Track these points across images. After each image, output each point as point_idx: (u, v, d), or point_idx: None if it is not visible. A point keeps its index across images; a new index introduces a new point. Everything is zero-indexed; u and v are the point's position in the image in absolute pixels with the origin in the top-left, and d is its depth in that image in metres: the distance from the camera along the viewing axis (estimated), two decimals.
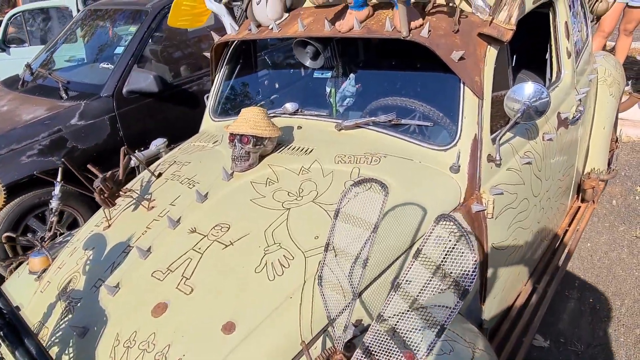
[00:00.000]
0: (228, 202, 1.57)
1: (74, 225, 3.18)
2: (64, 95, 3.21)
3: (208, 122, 2.29)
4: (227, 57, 2.23)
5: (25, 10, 5.29)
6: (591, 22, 3.18)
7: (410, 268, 0.85)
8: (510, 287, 2.01)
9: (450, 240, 0.81)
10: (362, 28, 1.69)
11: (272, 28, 1.92)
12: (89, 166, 1.72)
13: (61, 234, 3.13)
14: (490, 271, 1.73)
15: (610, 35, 4.67)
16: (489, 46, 1.65)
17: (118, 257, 1.49)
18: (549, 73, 2.30)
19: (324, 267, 1.08)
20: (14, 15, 5.13)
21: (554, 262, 2.39)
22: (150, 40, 3.62)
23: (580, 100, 2.32)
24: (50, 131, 2.95)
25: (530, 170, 1.88)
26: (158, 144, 2.25)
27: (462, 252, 0.79)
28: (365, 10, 1.71)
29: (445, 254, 0.81)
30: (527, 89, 1.59)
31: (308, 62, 2.01)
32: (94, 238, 1.64)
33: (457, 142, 1.63)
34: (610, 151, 3.19)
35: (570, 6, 2.43)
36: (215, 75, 2.29)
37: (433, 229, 0.83)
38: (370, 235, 0.94)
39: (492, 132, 1.69)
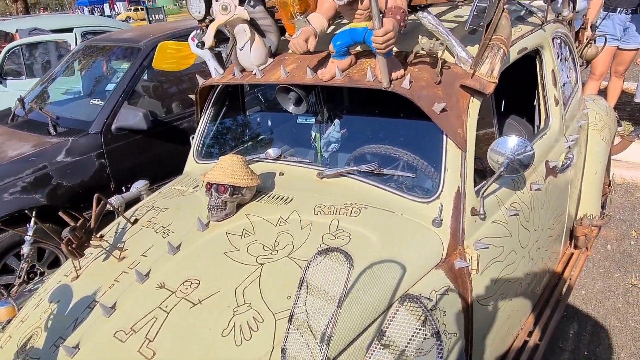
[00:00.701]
0: (200, 255, 1.50)
1: (55, 263, 3.10)
2: (52, 131, 3.18)
3: (191, 164, 2.25)
4: (212, 99, 2.21)
5: (23, 44, 5.35)
6: (580, 66, 3.19)
7: (374, 352, 0.78)
8: (500, 343, 1.92)
9: (414, 323, 0.75)
10: (344, 77, 1.67)
11: (255, 74, 1.91)
12: (60, 213, 1.66)
13: (42, 272, 3.07)
14: (476, 329, 1.65)
15: (602, 78, 4.70)
16: (472, 98, 1.62)
17: (82, 312, 1.41)
18: (537, 120, 2.28)
19: (287, 339, 1.02)
20: (12, 48, 5.18)
21: (546, 312, 2.30)
22: (144, 76, 3.63)
23: (569, 147, 2.29)
24: (35, 168, 2.90)
25: (517, 222, 1.82)
26: (139, 186, 2.20)
27: (426, 338, 0.72)
28: (347, 59, 1.69)
29: (410, 338, 0.75)
30: (510, 142, 1.56)
31: (291, 108, 1.99)
32: (60, 289, 1.57)
33: (439, 194, 1.58)
34: (603, 195, 3.14)
35: (558, 53, 2.44)
36: (200, 118, 2.27)
37: (397, 310, 0.77)
38: (334, 311, 0.88)
39: (477, 173, 1.65)
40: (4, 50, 5.15)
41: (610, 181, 3.31)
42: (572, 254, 2.74)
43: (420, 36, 1.64)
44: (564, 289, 2.47)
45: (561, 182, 2.25)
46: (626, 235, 3.36)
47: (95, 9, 42.62)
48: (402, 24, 1.48)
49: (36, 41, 5.66)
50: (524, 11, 2.27)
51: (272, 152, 1.96)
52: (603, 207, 3.30)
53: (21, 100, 3.75)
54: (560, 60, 2.51)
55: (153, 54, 3.43)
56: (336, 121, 2.07)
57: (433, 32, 1.69)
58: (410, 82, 1.57)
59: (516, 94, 2.64)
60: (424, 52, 1.64)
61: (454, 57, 1.68)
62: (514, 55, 1.86)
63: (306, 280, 0.97)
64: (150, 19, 11.40)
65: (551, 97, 2.21)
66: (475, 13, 1.70)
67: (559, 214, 2.31)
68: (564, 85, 2.52)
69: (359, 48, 1.80)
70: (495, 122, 1.87)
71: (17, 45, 5.33)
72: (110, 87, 3.44)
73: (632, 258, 3.11)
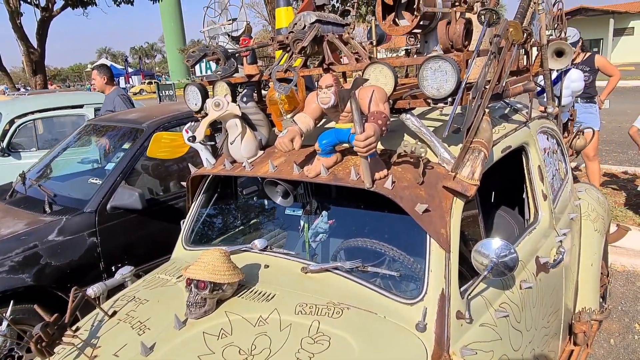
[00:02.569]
0: (174, 358, 1.44)
1: None
2: (47, 209, 3.20)
3: (179, 250, 2.23)
4: (204, 187, 2.25)
5: (37, 118, 5.56)
6: (570, 156, 3.26)
7: None
8: None
9: None
10: (329, 175, 1.70)
11: (245, 166, 1.95)
12: (35, 307, 1.62)
13: (20, 357, 2.94)
14: None
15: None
16: (455, 198, 1.64)
17: None
18: (527, 214, 2.28)
19: None
20: (23, 123, 5.36)
21: None
22: (144, 154, 3.71)
23: (560, 241, 2.26)
24: (25, 247, 2.89)
25: (507, 324, 1.76)
26: (124, 272, 2.17)
27: None
28: (333, 157, 1.73)
29: None
30: (494, 244, 1.54)
31: (279, 200, 2.01)
32: None
33: (423, 296, 1.54)
34: (602, 286, 3.07)
35: (544, 148, 2.50)
36: (191, 204, 2.29)
37: None
38: None
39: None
40: (14, 125, 5.32)
41: (608, 272, 3.24)
42: (572, 351, 2.62)
43: (405, 135, 1.69)
44: None
45: (554, 278, 2.21)
46: (629, 328, 3.23)
47: None
48: (383, 129, 1.53)
49: (50, 115, 5.91)
50: (508, 109, 2.36)
51: (258, 243, 1.95)
52: (604, 298, 3.21)
53: (22, 175, 3.82)
54: (548, 154, 2.56)
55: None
56: (324, 212, 2.08)
57: (416, 133, 1.74)
58: (393, 182, 1.59)
59: (507, 184, 2.67)
60: (407, 154, 1.68)
61: (437, 157, 1.72)
62: (497, 154, 1.91)
63: None
64: (160, 94, 11.96)
65: (539, 192, 2.23)
66: (460, 111, 1.76)
67: (554, 310, 2.24)
68: (553, 177, 2.55)
69: (346, 144, 1.85)
70: (480, 220, 1.87)
71: (30, 120, 5.53)
72: (110, 166, 3.51)
73: (637, 354, 2.96)
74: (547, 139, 2.59)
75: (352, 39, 2.04)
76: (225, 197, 2.32)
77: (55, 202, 3.30)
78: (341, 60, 2.13)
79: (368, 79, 1.59)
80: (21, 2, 12.93)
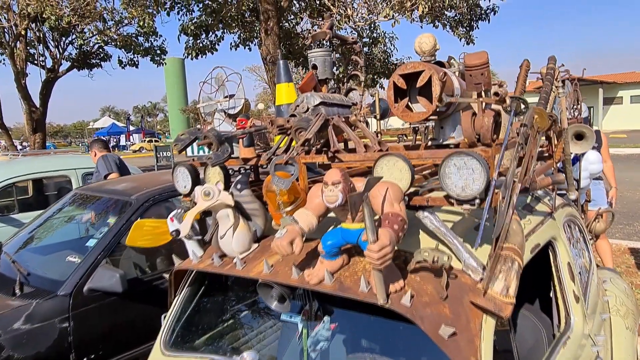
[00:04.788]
0: None
1: None
2: (17, 291, 2.89)
3: (157, 355, 1.91)
4: (188, 282, 1.97)
5: (20, 181, 5.35)
6: (590, 239, 3.02)
7: None
8: None
9: None
10: (334, 282, 1.44)
11: (236, 263, 1.69)
12: None
13: None
14: None
15: None
16: (485, 316, 1.37)
17: None
18: (556, 318, 2.00)
19: None
20: (5, 186, 5.14)
21: None
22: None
23: (597, 351, 1.96)
24: None
25: None
26: None
27: None
28: (338, 259, 1.48)
29: None
30: None
31: (274, 305, 1.73)
32: None
33: None
34: None
35: (569, 238, 2.26)
36: (173, 299, 2.00)
37: None
38: None
39: None
40: None
41: None
42: None
43: (421, 234, 1.45)
44: None
45: None
46: None
47: (112, 138, 45.33)
48: (400, 234, 1.29)
49: (36, 178, 5.72)
50: (530, 197, 2.14)
51: (248, 356, 1.64)
52: None
53: None
54: (573, 244, 2.32)
55: (142, 209, 3.33)
56: (326, 318, 1.80)
57: (435, 233, 1.50)
58: (412, 297, 1.33)
59: (528, 278, 2.40)
60: (426, 257, 1.43)
61: (460, 262, 1.47)
62: (526, 256, 1.66)
63: None
64: (158, 155, 11.82)
65: (570, 294, 1.95)
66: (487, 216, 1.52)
67: None
68: (580, 271, 2.29)
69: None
70: (512, 337, 1.59)
71: (12, 183, 5.31)
72: (92, 242, 3.23)
73: None
74: (572, 228, 2.36)
75: (360, 121, 1.86)
76: (212, 293, 2.03)
77: (28, 281, 3.00)
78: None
79: (382, 177, 1.38)
80: (27, 62, 13.18)
